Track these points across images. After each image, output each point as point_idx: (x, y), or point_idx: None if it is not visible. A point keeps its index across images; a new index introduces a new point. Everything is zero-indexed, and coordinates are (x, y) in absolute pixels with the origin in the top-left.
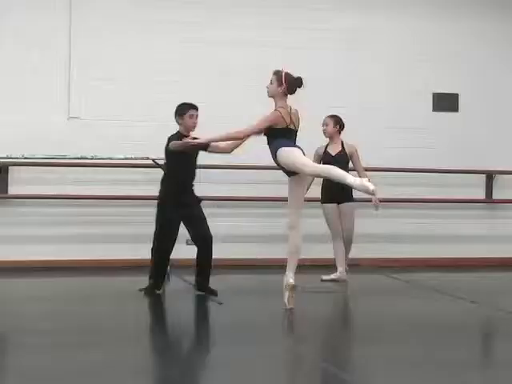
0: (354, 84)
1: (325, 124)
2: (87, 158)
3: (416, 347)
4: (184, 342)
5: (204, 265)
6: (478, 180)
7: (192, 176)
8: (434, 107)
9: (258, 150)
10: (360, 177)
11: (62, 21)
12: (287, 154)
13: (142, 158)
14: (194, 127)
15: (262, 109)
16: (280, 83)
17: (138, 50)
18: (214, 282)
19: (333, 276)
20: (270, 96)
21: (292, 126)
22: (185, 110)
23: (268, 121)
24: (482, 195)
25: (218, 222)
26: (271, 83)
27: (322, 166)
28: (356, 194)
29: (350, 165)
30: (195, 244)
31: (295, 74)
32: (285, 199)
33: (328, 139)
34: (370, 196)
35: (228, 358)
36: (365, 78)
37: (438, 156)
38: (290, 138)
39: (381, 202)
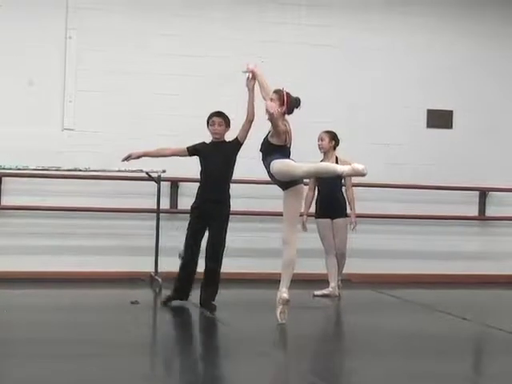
0: (346, 100)
1: (320, 139)
2: (81, 170)
3: (406, 362)
4: (176, 356)
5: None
6: (471, 197)
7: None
8: (427, 124)
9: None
10: (347, 194)
11: (58, 32)
12: (281, 161)
13: (136, 171)
14: (215, 134)
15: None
16: (281, 103)
17: (134, 63)
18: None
19: (325, 291)
20: (268, 115)
21: (288, 144)
22: (208, 118)
23: (284, 132)
24: (475, 212)
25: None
26: (271, 100)
27: (312, 164)
28: (350, 210)
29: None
30: None
31: (294, 94)
32: (279, 213)
33: (323, 154)
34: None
35: (219, 371)
36: (358, 94)
37: (432, 172)
38: (285, 155)
39: (373, 217)
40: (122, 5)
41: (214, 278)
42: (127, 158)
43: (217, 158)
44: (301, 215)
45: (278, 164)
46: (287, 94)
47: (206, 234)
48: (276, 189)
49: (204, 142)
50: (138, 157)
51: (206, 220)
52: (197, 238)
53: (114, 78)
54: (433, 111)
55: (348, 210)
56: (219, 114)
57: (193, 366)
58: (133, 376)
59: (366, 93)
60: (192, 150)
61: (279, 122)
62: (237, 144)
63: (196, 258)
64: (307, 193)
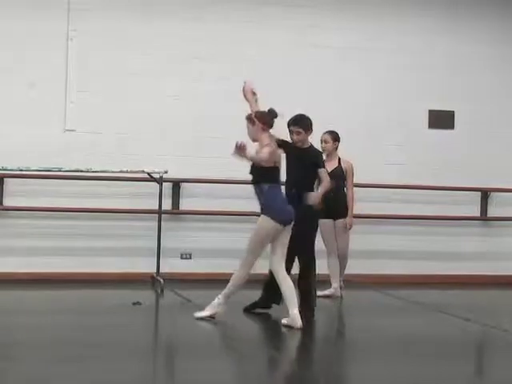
0: (347, 100)
1: (324, 141)
2: (82, 171)
3: (409, 364)
4: (178, 357)
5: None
6: (472, 197)
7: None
8: (429, 124)
9: None
10: (347, 193)
11: (59, 34)
12: (268, 227)
13: (138, 172)
14: (295, 140)
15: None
16: (253, 123)
17: (135, 64)
18: (213, 296)
19: (327, 292)
20: (253, 141)
21: (278, 164)
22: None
23: (271, 153)
24: (476, 212)
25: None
26: (248, 129)
27: (244, 277)
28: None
29: None
30: None
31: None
32: None
33: (326, 156)
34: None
35: (220, 372)
36: (360, 94)
37: (433, 173)
38: (278, 179)
39: (375, 218)
40: (123, 6)
41: None
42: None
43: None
44: None
45: (262, 225)
46: (255, 114)
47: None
48: None
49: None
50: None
51: None
52: None
53: (115, 79)
54: (434, 112)
55: (357, 211)
56: (295, 121)
57: (195, 367)
58: (134, 377)
59: (367, 93)
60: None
61: (259, 157)
62: None
63: None
64: None
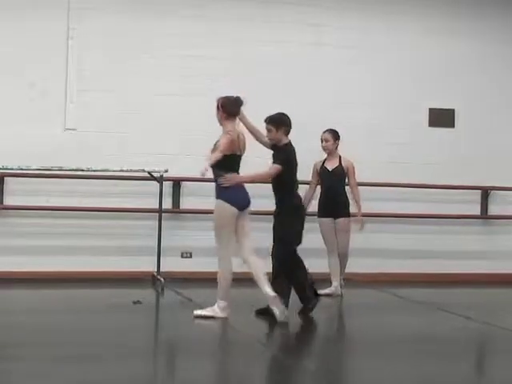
0: (347, 99)
1: (324, 140)
2: (83, 170)
3: (409, 363)
4: (179, 356)
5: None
6: (473, 196)
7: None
8: (429, 123)
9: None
10: (352, 193)
11: (59, 33)
12: (223, 211)
13: (138, 171)
14: (268, 138)
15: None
16: (218, 109)
17: (136, 63)
18: (213, 295)
19: (327, 291)
20: (220, 124)
21: (238, 152)
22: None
23: (232, 141)
24: (477, 211)
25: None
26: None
27: (227, 269)
28: (352, 210)
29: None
30: None
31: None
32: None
33: (327, 155)
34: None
35: (220, 371)
36: (360, 93)
37: (434, 171)
38: (235, 169)
39: (375, 217)
40: (123, 5)
41: None
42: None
43: None
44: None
45: (219, 211)
46: (221, 98)
47: None
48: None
49: None
50: None
51: None
52: None
53: (115, 78)
54: (435, 110)
55: (354, 210)
56: (267, 118)
57: (195, 366)
58: (134, 376)
59: (367, 92)
60: None
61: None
62: None
63: None
64: (307, 192)
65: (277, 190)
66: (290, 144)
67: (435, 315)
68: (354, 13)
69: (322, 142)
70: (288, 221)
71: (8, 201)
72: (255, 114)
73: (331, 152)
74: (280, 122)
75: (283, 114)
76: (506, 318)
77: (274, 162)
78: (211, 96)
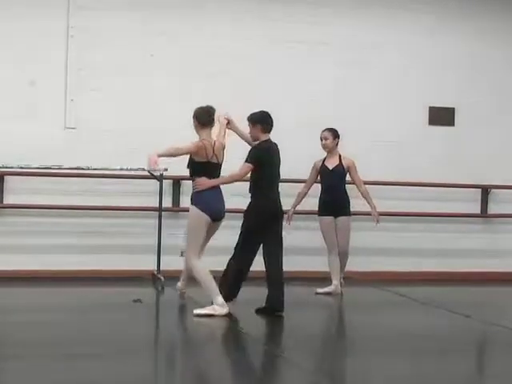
0: (348, 97)
1: (324, 138)
2: (83, 169)
3: (409, 361)
4: (179, 355)
5: None
6: (473, 194)
7: None
8: (429, 121)
9: None
10: (359, 190)
11: (60, 31)
12: (198, 218)
13: (138, 169)
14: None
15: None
16: (193, 119)
17: (135, 62)
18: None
19: (327, 289)
20: (196, 133)
21: (214, 160)
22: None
23: (194, 146)
24: (477, 209)
25: None
26: None
27: (201, 269)
28: (353, 208)
29: (348, 178)
30: None
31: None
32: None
33: (326, 153)
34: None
35: (221, 370)
36: (359, 92)
37: (434, 170)
38: (209, 175)
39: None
40: (123, 4)
41: None
42: None
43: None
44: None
45: (193, 215)
46: (196, 109)
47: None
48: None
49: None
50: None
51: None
52: None
53: (115, 76)
54: (435, 108)
55: (355, 208)
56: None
57: (195, 364)
58: (135, 374)
59: (367, 90)
60: None
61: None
62: None
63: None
64: (302, 189)
65: (250, 187)
66: (266, 142)
67: (435, 313)
68: (353, 11)
69: (321, 140)
70: (247, 217)
71: (8, 199)
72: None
73: (331, 150)
74: (256, 120)
75: (263, 111)
76: (506, 316)
77: (245, 161)
78: (211, 95)
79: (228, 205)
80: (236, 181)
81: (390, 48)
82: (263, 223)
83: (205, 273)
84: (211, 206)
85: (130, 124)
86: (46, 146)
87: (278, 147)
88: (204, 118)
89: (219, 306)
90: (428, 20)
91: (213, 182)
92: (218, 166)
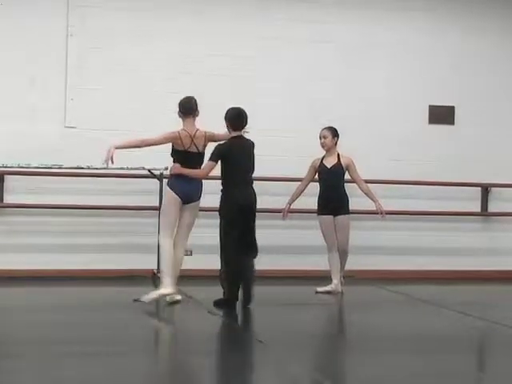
0: (348, 96)
1: (323, 137)
2: (83, 168)
3: (410, 360)
4: (179, 354)
5: None
6: (473, 193)
7: None
8: (429, 120)
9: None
10: (360, 188)
11: (59, 30)
12: (167, 197)
13: (138, 168)
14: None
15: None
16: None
17: (136, 61)
18: (213, 291)
19: (327, 288)
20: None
21: (193, 149)
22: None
23: (164, 138)
24: (477, 208)
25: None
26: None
27: (167, 249)
28: (352, 206)
29: (347, 177)
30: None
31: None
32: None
33: (325, 152)
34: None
35: (221, 369)
36: (361, 90)
37: (434, 168)
38: (189, 163)
39: (376, 214)
40: (123, 3)
41: None
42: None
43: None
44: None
45: (168, 197)
46: (180, 101)
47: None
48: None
49: None
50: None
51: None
52: None
53: (115, 75)
54: (435, 107)
55: (356, 207)
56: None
57: (196, 363)
58: (134, 375)
59: (367, 89)
60: None
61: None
62: None
63: None
64: (298, 186)
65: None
66: (235, 138)
67: (435, 312)
68: (354, 10)
69: (320, 138)
70: (219, 214)
71: (8, 199)
72: (254, 113)
73: (330, 149)
74: (225, 117)
75: (233, 108)
76: (506, 315)
77: (208, 159)
78: (211, 95)
79: None
80: (200, 178)
81: (391, 47)
82: (232, 215)
83: (168, 254)
84: (181, 185)
85: (129, 123)
86: (46, 146)
87: (251, 143)
88: (185, 107)
89: (165, 286)
90: (428, 19)
91: (184, 170)
92: (198, 155)
